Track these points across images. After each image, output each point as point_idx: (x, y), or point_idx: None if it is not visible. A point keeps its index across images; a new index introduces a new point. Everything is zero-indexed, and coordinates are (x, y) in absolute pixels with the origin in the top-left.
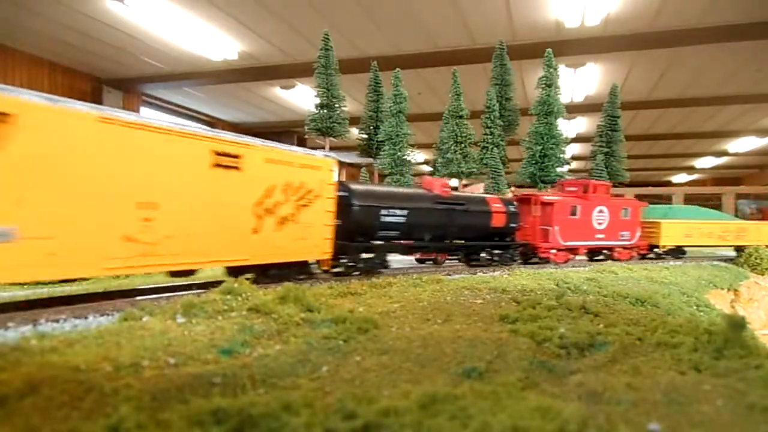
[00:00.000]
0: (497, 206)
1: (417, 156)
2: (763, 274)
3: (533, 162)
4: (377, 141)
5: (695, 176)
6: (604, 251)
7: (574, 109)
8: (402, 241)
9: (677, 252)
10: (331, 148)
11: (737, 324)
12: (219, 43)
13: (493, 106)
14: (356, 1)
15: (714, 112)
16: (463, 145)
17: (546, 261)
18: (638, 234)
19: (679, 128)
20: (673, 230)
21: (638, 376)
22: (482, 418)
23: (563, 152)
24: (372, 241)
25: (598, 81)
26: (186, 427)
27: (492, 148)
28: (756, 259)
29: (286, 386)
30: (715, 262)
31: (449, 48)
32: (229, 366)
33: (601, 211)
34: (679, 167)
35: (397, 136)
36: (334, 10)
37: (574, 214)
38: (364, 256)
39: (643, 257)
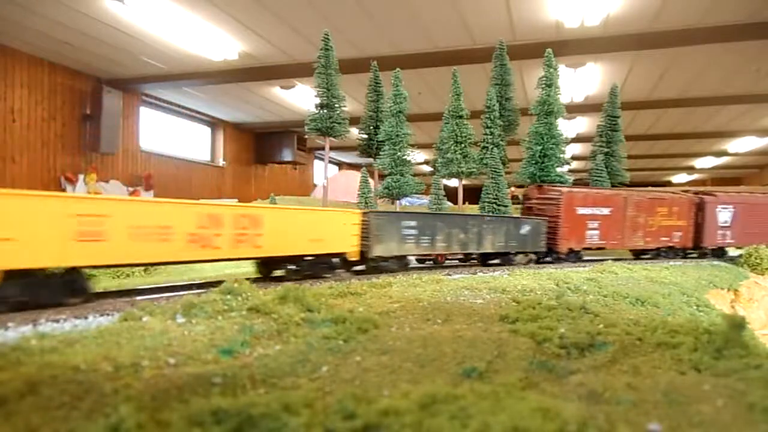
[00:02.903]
0: None
1: (417, 156)
2: (763, 274)
3: (533, 162)
4: (377, 141)
5: (695, 176)
6: None
7: (574, 109)
8: None
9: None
10: (331, 148)
11: (737, 324)
12: (219, 43)
13: (493, 106)
14: (356, 1)
15: (714, 112)
16: (463, 145)
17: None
18: None
19: (679, 128)
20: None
21: (638, 376)
22: (482, 418)
23: (563, 152)
24: None
25: (598, 81)
26: (186, 427)
27: (492, 148)
28: (756, 259)
29: (286, 386)
30: (715, 262)
31: (449, 48)
32: (229, 366)
33: None
34: (679, 167)
35: (397, 136)
36: (334, 10)
37: None
38: None
39: None
